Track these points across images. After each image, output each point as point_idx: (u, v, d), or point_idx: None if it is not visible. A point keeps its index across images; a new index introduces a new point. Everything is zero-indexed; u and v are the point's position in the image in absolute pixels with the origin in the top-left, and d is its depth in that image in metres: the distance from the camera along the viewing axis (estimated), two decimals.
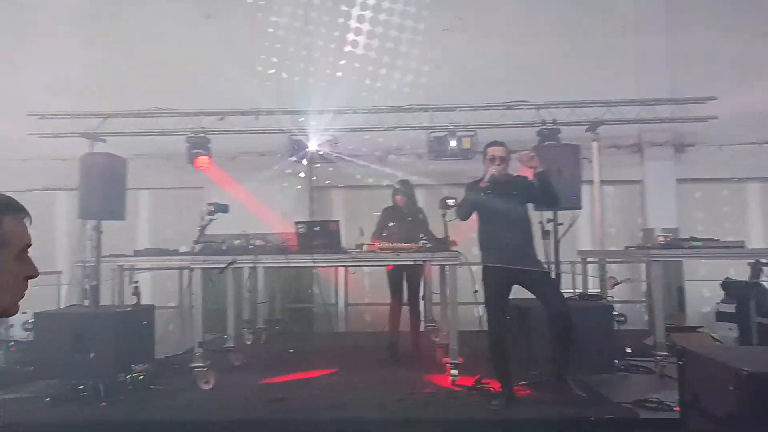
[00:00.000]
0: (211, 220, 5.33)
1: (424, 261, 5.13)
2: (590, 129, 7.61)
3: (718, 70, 8.01)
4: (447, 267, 5.01)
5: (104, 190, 5.45)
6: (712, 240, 5.17)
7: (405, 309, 5.94)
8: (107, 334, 4.70)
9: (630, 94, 8.10)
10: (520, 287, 4.19)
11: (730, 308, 6.63)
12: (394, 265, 5.58)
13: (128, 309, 5.13)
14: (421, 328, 6.17)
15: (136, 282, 5.49)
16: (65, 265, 7.74)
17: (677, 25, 8.41)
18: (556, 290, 4.25)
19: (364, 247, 5.14)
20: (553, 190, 4.26)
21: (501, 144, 4.31)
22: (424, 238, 5.16)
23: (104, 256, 5.43)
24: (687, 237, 5.64)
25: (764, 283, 5.74)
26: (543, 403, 4.19)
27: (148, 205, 8.84)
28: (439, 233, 5.12)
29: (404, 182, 6.06)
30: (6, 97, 7.92)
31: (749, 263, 6.29)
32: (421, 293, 6.20)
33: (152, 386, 4.62)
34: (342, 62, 8.47)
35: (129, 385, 4.52)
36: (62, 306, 6.27)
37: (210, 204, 5.42)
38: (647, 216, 8.34)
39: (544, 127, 7.43)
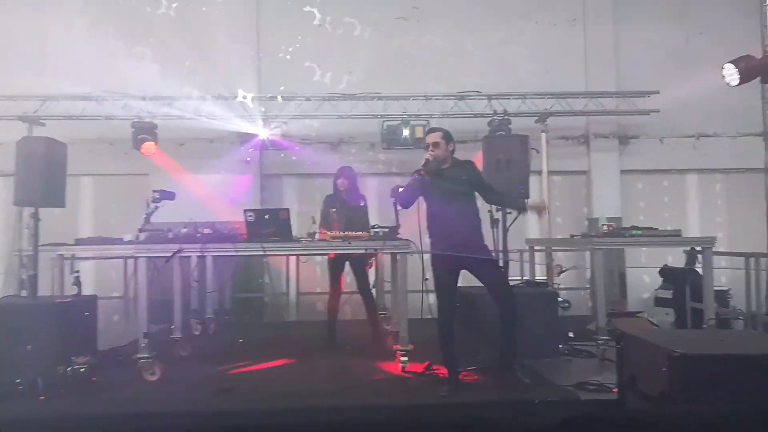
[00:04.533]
0: (157, 207, 5.19)
1: (375, 250, 5.14)
2: (539, 120, 7.79)
3: (661, 63, 8.31)
4: (398, 255, 5.04)
5: (43, 176, 5.19)
6: (652, 229, 5.38)
7: (356, 297, 5.93)
8: (46, 325, 4.51)
9: (578, 86, 8.33)
10: (472, 276, 4.27)
11: (668, 294, 6.96)
12: (335, 253, 5.56)
13: (69, 299, 4.94)
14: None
15: (77, 272, 5.28)
16: (1, 255, 7.40)
17: (624, 18, 8.66)
18: (501, 277, 4.33)
19: (316, 236, 5.11)
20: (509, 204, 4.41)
21: (437, 130, 4.36)
22: (376, 227, 5.16)
23: (43, 245, 5.20)
24: (629, 226, 5.86)
25: (699, 270, 6.02)
26: (489, 388, 4.29)
27: (91, 192, 8.52)
28: (390, 222, 5.13)
29: (345, 167, 6.02)
30: None
31: (685, 251, 6.60)
32: (372, 281, 6.21)
33: (94, 379, 4.47)
34: (295, 47, 8.37)
35: (69, 378, 4.36)
36: None
37: (155, 191, 5.27)
38: (592, 205, 8.61)
39: (495, 117, 7.55)
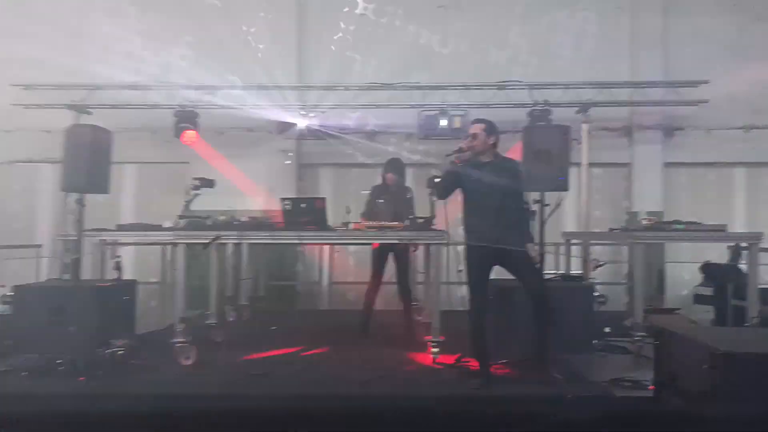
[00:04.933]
0: (197, 195, 5.28)
1: (409, 240, 5.12)
2: (581, 111, 7.59)
3: (711, 53, 7.97)
4: (431, 246, 5.01)
5: (89, 163, 5.37)
6: (695, 223, 5.20)
7: (389, 288, 5.93)
8: (87, 308, 4.65)
9: (623, 75, 8.08)
10: (503, 269, 4.22)
11: (708, 291, 6.73)
12: (380, 243, 5.56)
13: (109, 284, 5.09)
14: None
15: (119, 257, 5.44)
16: (46, 239, 7.68)
17: (673, 6, 8.36)
18: (535, 271, 4.25)
19: (351, 225, 5.12)
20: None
21: (479, 121, 4.28)
22: (411, 217, 5.15)
23: (86, 230, 5.36)
24: (671, 220, 5.67)
25: (742, 267, 5.80)
26: (521, 382, 4.24)
27: (133, 180, 8.75)
28: (426, 212, 5.11)
29: (395, 160, 6.01)
30: None
31: (729, 247, 6.36)
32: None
33: (132, 361, 4.60)
34: (335, 37, 8.37)
35: (108, 360, 4.50)
36: (42, 279, 6.23)
37: (195, 179, 5.36)
38: (633, 199, 8.37)
39: (535, 107, 7.40)
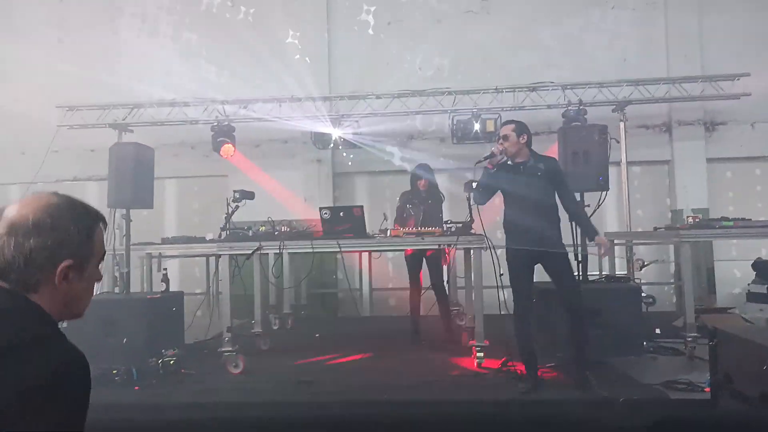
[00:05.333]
0: (237, 207, 5.38)
1: (448, 245, 5.12)
2: (617, 109, 7.46)
3: (750, 45, 7.76)
4: (471, 251, 4.99)
5: (133, 180, 5.53)
6: (744, 219, 5.05)
7: (428, 293, 5.94)
8: (138, 319, 4.80)
9: (659, 72, 7.91)
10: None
11: (762, 289, 6.51)
12: (413, 249, 5.57)
13: (158, 295, 5.23)
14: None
15: (165, 269, 5.59)
16: None
17: (707, 1, 8.17)
18: (570, 274, 4.18)
19: (389, 232, 5.14)
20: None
21: (509, 122, 4.26)
22: (450, 222, 5.15)
23: (133, 244, 5.53)
24: (717, 217, 5.53)
25: None
26: (570, 386, 4.17)
27: (175, 194, 8.97)
28: (462, 216, 5.09)
29: (423, 166, 6.02)
30: (36, 90, 8.10)
31: None
32: (446, 277, 6.19)
33: (183, 370, 4.72)
34: (365, 45, 8.45)
35: (160, 370, 4.61)
36: (95, 293, 6.43)
37: (235, 191, 5.47)
38: (676, 197, 8.17)
39: (570, 108, 7.31)
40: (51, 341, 1.18)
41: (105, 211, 6.37)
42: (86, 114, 8.00)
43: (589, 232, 4.21)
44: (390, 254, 7.77)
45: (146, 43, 8.65)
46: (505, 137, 4.13)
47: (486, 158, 4.14)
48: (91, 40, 8.71)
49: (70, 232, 1.23)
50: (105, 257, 1.41)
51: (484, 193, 4.22)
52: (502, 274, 4.38)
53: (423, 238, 4.98)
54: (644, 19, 8.29)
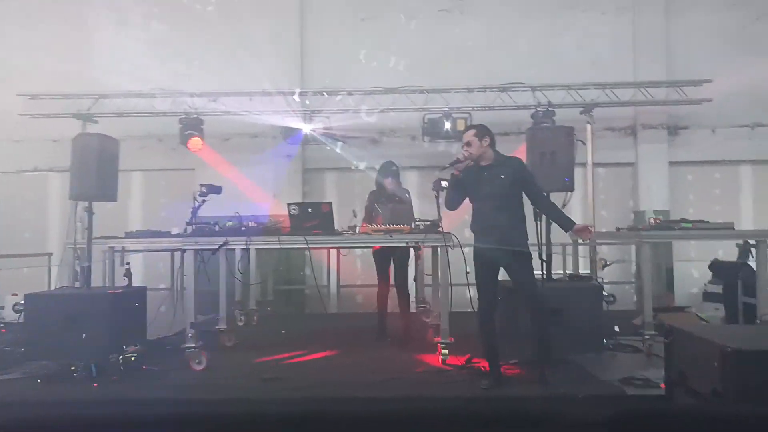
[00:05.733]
0: (204, 201, 5.30)
1: (416, 243, 5.14)
2: (585, 111, 7.60)
3: (714, 51, 7.97)
4: (439, 249, 5.02)
5: (96, 172, 5.39)
6: (702, 222, 5.20)
7: (394, 290, 5.96)
8: (99, 315, 4.69)
9: (626, 76, 8.08)
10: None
11: (718, 289, 6.72)
12: (380, 246, 5.58)
13: (120, 290, 5.13)
14: (412, 309, 6.20)
15: (128, 264, 5.48)
16: (56, 247, 7.73)
17: (675, 5, 8.36)
18: (530, 275, 4.25)
19: (357, 229, 5.14)
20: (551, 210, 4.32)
21: (470, 128, 4.36)
22: (419, 221, 5.17)
23: (96, 238, 5.40)
24: (678, 219, 5.68)
25: (751, 264, 5.79)
26: (531, 382, 4.23)
27: (141, 187, 8.81)
28: (432, 215, 5.12)
29: (389, 164, 6.02)
30: None
31: (738, 245, 6.36)
32: (413, 275, 6.21)
33: (144, 367, 4.63)
34: (338, 41, 8.41)
35: (121, 366, 4.53)
36: (53, 287, 6.27)
37: (202, 185, 5.39)
38: (639, 198, 8.37)
39: (539, 109, 7.41)
40: None
41: (67, 203, 6.24)
42: (49, 103, 7.80)
43: (564, 224, 4.25)
44: (358, 251, 7.77)
45: (114, 32, 8.45)
46: (468, 143, 4.20)
47: (452, 164, 4.21)
48: (57, 28, 8.47)
49: None
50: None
51: (453, 200, 4.29)
52: (468, 272, 4.42)
53: (391, 236, 4.99)
54: (613, 22, 8.45)
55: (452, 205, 4.29)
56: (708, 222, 5.25)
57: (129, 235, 5.98)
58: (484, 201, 4.19)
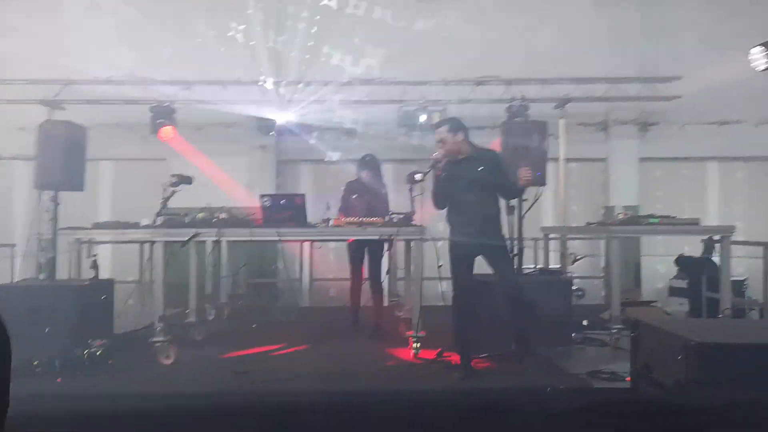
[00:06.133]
0: (174, 192, 5.21)
1: (390, 236, 5.14)
2: (558, 106, 7.66)
3: (686, 47, 8.06)
4: (412, 242, 5.03)
5: (63, 160, 5.27)
6: (669, 217, 5.30)
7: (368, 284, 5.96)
8: (64, 308, 4.60)
9: (600, 71, 8.13)
10: (485, 263, 4.27)
11: (683, 284, 6.88)
12: (354, 239, 5.57)
13: (86, 283, 5.02)
14: (385, 303, 6.20)
15: (95, 255, 5.36)
16: (20, 238, 7.53)
17: (650, 1, 8.45)
18: (509, 266, 4.33)
19: (331, 222, 5.11)
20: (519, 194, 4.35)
21: (441, 124, 4.36)
22: (392, 213, 5.16)
23: (61, 228, 5.27)
24: (646, 214, 5.78)
25: (715, 260, 5.93)
26: (501, 375, 4.29)
27: (109, 176, 8.63)
28: (406, 207, 5.12)
29: (369, 156, 6.01)
30: None
31: (703, 240, 6.50)
32: (386, 268, 6.22)
33: (111, 361, 4.54)
34: (312, 31, 8.32)
35: (86, 361, 4.43)
36: (16, 279, 6.11)
37: (173, 176, 5.29)
38: (610, 194, 8.50)
39: (513, 103, 7.45)
40: None
41: (32, 192, 6.09)
42: (14, 89, 7.54)
43: (517, 188, 4.35)
44: (332, 244, 7.73)
45: (84, 16, 8.20)
46: (442, 141, 4.20)
47: (431, 168, 4.21)
48: (25, 11, 8.20)
49: None
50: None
51: (440, 200, 4.29)
52: (440, 266, 4.45)
53: (364, 229, 4.98)
54: (590, 17, 8.50)
55: (441, 203, 4.30)
56: (675, 218, 5.35)
57: (97, 225, 5.85)
58: (461, 194, 4.20)
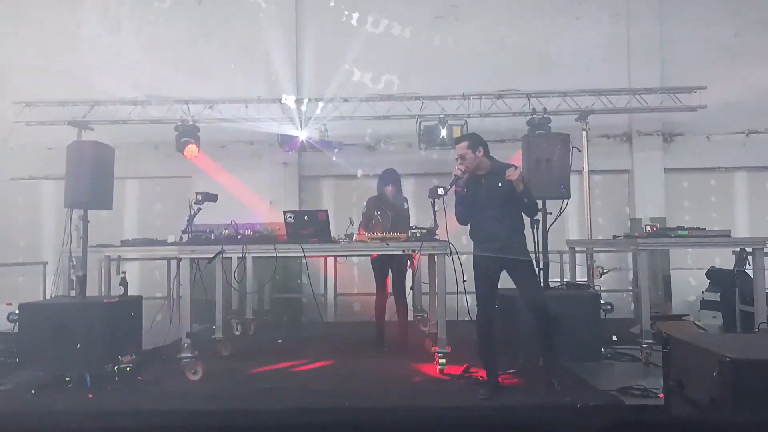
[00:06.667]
0: (200, 209, 5.27)
1: (413, 251, 5.13)
2: (580, 118, 7.62)
3: (709, 58, 8.02)
4: (436, 257, 5.01)
5: (91, 179, 5.36)
6: (699, 229, 5.21)
7: (392, 298, 5.95)
8: (94, 324, 4.66)
9: (621, 83, 8.11)
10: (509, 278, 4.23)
11: (715, 297, 6.72)
12: (378, 254, 5.57)
13: (116, 300, 5.10)
14: (409, 318, 6.18)
15: (124, 272, 5.44)
16: (51, 256, 7.68)
17: (670, 13, 8.41)
18: (535, 281, 4.28)
19: (354, 237, 5.13)
20: (531, 206, 4.27)
21: (462, 139, 4.34)
22: (415, 228, 5.16)
23: (91, 246, 5.37)
24: (674, 226, 5.68)
25: (748, 272, 5.80)
26: (529, 391, 4.22)
27: (136, 195, 8.77)
28: (428, 222, 5.11)
29: (390, 171, 6.03)
30: None
31: (734, 252, 6.37)
32: (410, 283, 6.20)
33: (140, 377, 4.60)
34: (333, 49, 8.42)
35: (116, 376, 4.49)
36: (48, 297, 6.23)
37: (198, 193, 5.36)
38: (635, 205, 8.39)
39: (534, 116, 7.43)
40: None
41: (62, 211, 6.23)
42: (44, 110, 7.77)
43: (532, 203, 4.23)
44: (355, 259, 7.75)
45: (108, 37, 8.42)
46: (462, 157, 4.19)
47: (452, 184, 4.19)
48: (50, 33, 8.45)
49: None
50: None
51: (464, 216, 4.26)
52: (465, 280, 4.42)
53: (388, 244, 4.98)
54: (608, 30, 8.48)
55: (465, 220, 4.27)
56: (704, 229, 5.25)
57: (125, 243, 5.96)
58: (483, 209, 4.18)
